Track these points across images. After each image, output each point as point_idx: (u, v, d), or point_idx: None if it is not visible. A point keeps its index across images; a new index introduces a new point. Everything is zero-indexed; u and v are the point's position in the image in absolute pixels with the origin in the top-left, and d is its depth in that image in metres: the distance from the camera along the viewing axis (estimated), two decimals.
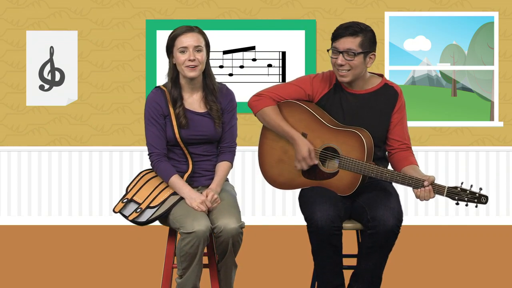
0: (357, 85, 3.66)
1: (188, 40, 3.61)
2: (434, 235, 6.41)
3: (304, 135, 3.64)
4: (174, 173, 3.61)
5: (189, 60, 3.59)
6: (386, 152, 3.74)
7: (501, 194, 6.95)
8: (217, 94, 3.71)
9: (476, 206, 3.47)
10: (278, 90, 3.73)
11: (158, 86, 3.72)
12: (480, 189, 3.42)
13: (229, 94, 3.75)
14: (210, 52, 7.35)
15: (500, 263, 5.33)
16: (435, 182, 3.70)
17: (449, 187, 3.41)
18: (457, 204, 3.45)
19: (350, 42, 3.55)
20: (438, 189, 3.42)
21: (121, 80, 7.00)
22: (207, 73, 3.70)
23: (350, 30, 3.55)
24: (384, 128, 3.66)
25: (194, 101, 3.70)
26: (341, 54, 3.56)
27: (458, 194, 3.41)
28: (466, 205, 3.46)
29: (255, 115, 3.74)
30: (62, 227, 6.83)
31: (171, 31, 3.72)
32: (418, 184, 3.44)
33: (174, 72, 3.68)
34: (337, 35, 3.58)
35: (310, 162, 3.60)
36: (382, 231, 3.44)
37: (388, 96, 3.67)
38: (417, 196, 3.45)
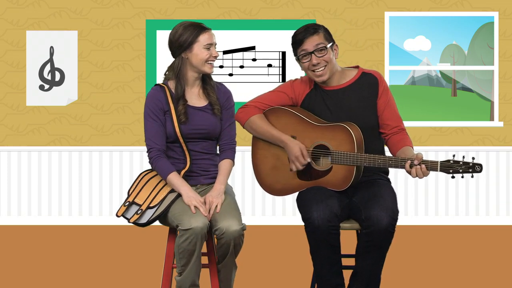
0: (334, 81, 3.70)
1: (211, 37, 3.72)
2: (434, 235, 6.41)
3: (293, 137, 3.66)
4: (172, 170, 3.62)
5: (213, 56, 3.70)
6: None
7: (501, 194, 6.96)
8: (215, 87, 3.76)
9: (472, 176, 3.49)
10: (262, 99, 3.78)
11: (158, 84, 3.74)
12: (473, 158, 3.43)
13: (227, 92, 3.80)
14: None
15: (500, 263, 5.33)
16: (427, 159, 3.71)
17: (441, 161, 3.43)
18: (453, 177, 3.46)
19: (316, 39, 3.61)
20: (432, 166, 3.43)
21: (121, 80, 7.00)
22: None
23: (310, 30, 3.62)
24: (372, 117, 3.68)
25: (193, 95, 3.73)
26: (312, 54, 3.61)
27: (452, 167, 3.41)
28: (462, 176, 3.46)
29: (243, 127, 3.78)
30: (62, 227, 6.83)
31: (171, 31, 3.74)
32: (410, 164, 3.46)
33: (182, 68, 3.70)
34: (299, 39, 3.63)
35: (304, 160, 3.61)
36: (377, 230, 3.44)
37: (368, 84, 3.70)
38: (409, 173, 3.46)
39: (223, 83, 3.85)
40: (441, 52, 7.04)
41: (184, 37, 3.68)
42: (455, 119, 7.04)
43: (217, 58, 3.74)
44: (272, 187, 3.76)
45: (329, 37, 3.65)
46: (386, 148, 3.75)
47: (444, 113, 7.04)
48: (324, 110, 3.68)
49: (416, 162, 3.44)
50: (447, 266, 5.22)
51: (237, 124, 3.90)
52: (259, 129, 3.73)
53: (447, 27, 7.02)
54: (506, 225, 6.93)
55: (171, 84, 3.73)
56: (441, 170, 3.43)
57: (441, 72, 7.06)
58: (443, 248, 5.87)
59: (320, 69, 3.62)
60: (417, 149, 6.87)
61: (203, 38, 3.68)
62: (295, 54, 3.68)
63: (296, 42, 3.65)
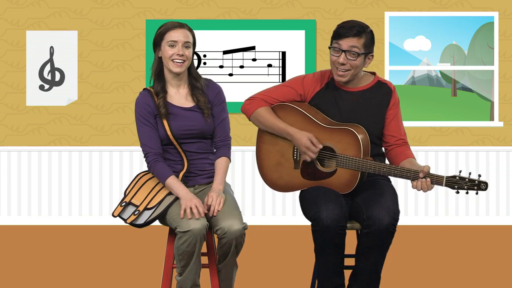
0: (351, 83, 3.67)
1: (178, 35, 3.63)
2: (434, 235, 6.41)
3: None
4: (170, 174, 3.60)
5: (178, 54, 3.62)
6: (383, 149, 3.75)
7: (501, 194, 6.95)
8: (203, 89, 3.71)
9: (477, 193, 3.47)
10: (270, 92, 3.75)
11: (145, 88, 3.74)
12: (479, 175, 3.42)
13: (216, 88, 3.75)
14: (210, 52, 7.33)
15: (500, 263, 5.33)
16: (433, 172, 3.69)
17: (447, 177, 3.42)
18: (457, 192, 3.47)
19: (355, 42, 3.55)
20: (437, 180, 3.43)
21: (121, 80, 7.00)
22: (192, 70, 3.71)
23: (354, 30, 3.54)
24: (379, 125, 3.68)
25: (181, 97, 3.70)
26: (343, 53, 3.56)
27: (457, 183, 3.42)
28: (467, 192, 3.46)
29: (249, 119, 3.76)
30: (62, 227, 6.83)
31: None
32: (416, 176, 3.45)
33: (158, 66, 3.70)
34: (341, 34, 3.56)
35: (315, 148, 3.59)
36: (378, 230, 3.44)
37: (382, 93, 3.69)
38: (415, 187, 3.45)
39: (212, 80, 3.80)
40: (441, 52, 7.04)
41: (156, 34, 3.68)
42: (455, 119, 7.04)
43: (183, 57, 3.60)
44: (275, 183, 3.76)
45: (369, 45, 3.58)
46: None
47: (444, 113, 7.04)
48: (333, 110, 3.66)
49: (421, 175, 3.43)
50: (447, 266, 5.22)
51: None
52: (266, 122, 3.70)
53: (447, 27, 7.02)
54: (506, 225, 6.93)
55: None
56: (446, 185, 3.43)
57: (441, 72, 7.06)
58: (443, 248, 5.87)
59: (343, 70, 3.57)
60: (417, 149, 6.87)
61: (168, 36, 3.63)
62: (330, 43, 3.62)
63: (336, 34, 3.57)
